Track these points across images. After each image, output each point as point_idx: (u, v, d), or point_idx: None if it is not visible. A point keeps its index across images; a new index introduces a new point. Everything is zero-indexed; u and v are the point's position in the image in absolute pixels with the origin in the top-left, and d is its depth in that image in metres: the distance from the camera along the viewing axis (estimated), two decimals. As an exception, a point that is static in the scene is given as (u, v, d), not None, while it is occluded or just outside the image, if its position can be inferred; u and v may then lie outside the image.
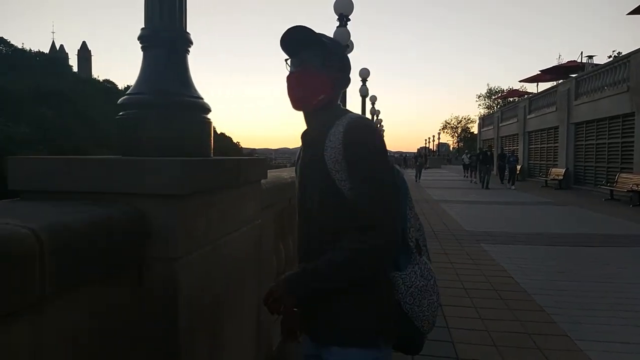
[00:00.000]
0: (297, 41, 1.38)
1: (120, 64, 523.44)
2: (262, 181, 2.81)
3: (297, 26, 1.33)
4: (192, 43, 1.82)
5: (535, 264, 6.21)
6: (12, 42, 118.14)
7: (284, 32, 1.35)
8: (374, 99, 20.85)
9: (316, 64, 1.37)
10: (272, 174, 3.90)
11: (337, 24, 8.09)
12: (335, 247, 1.28)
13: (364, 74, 14.49)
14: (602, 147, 18.18)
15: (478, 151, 25.86)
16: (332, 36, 8.03)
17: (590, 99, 18.76)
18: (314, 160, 1.36)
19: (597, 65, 21.28)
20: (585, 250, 7.14)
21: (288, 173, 3.94)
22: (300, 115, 1.48)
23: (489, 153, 21.65)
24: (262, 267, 2.45)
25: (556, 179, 20.81)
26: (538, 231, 8.95)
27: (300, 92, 1.38)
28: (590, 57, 24.07)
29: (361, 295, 1.33)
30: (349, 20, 8.26)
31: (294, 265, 3.95)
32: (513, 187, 20.07)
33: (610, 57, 26.79)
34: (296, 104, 1.42)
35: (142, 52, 1.74)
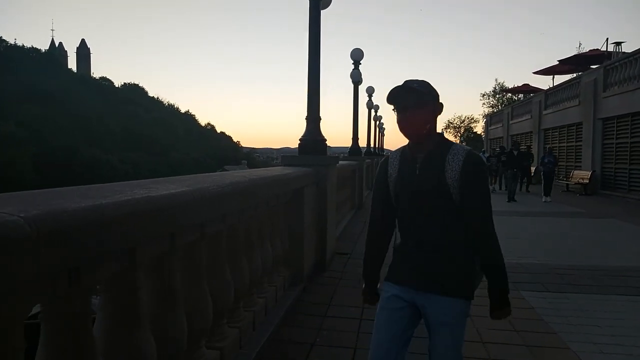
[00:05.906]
0: (396, 95, 1.93)
1: (119, 61, 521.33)
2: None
3: (398, 88, 1.91)
4: None
5: (623, 343, 3.59)
6: (4, 38, 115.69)
7: (391, 92, 1.91)
8: (370, 91, 18.06)
9: (415, 107, 1.89)
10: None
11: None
12: (479, 240, 1.94)
13: (357, 56, 11.74)
14: (638, 147, 15.49)
15: (498, 149, 20.24)
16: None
17: (623, 89, 16.04)
18: (434, 174, 1.91)
19: (625, 53, 18.52)
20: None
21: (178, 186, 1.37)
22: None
23: (515, 152, 16.34)
24: None
25: (580, 183, 18.12)
26: (593, 262, 6.34)
27: (410, 129, 1.92)
28: (618, 43, 21.20)
29: (470, 258, 1.95)
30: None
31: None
32: (548, 199, 14.81)
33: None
34: (410, 137, 1.96)
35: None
